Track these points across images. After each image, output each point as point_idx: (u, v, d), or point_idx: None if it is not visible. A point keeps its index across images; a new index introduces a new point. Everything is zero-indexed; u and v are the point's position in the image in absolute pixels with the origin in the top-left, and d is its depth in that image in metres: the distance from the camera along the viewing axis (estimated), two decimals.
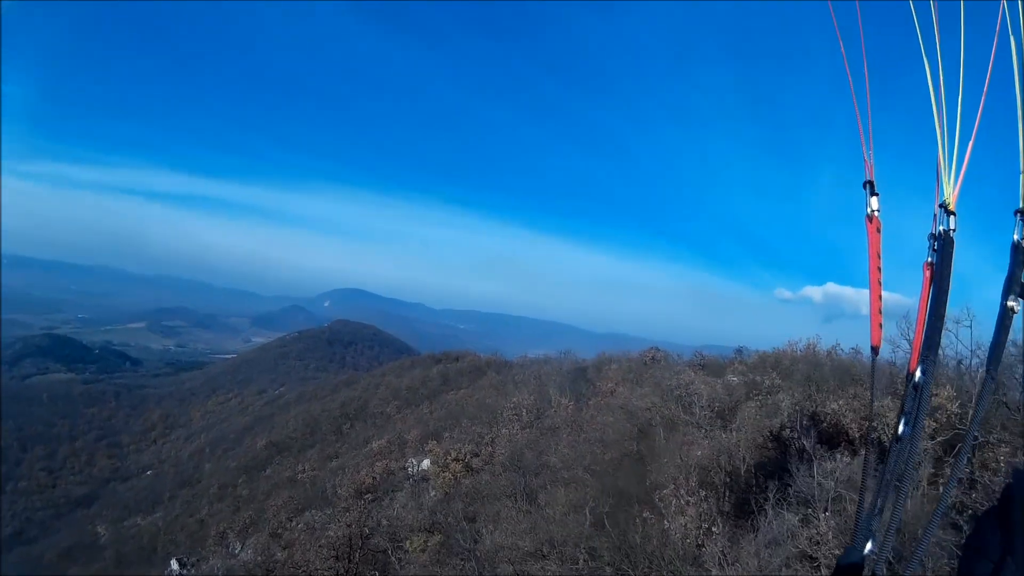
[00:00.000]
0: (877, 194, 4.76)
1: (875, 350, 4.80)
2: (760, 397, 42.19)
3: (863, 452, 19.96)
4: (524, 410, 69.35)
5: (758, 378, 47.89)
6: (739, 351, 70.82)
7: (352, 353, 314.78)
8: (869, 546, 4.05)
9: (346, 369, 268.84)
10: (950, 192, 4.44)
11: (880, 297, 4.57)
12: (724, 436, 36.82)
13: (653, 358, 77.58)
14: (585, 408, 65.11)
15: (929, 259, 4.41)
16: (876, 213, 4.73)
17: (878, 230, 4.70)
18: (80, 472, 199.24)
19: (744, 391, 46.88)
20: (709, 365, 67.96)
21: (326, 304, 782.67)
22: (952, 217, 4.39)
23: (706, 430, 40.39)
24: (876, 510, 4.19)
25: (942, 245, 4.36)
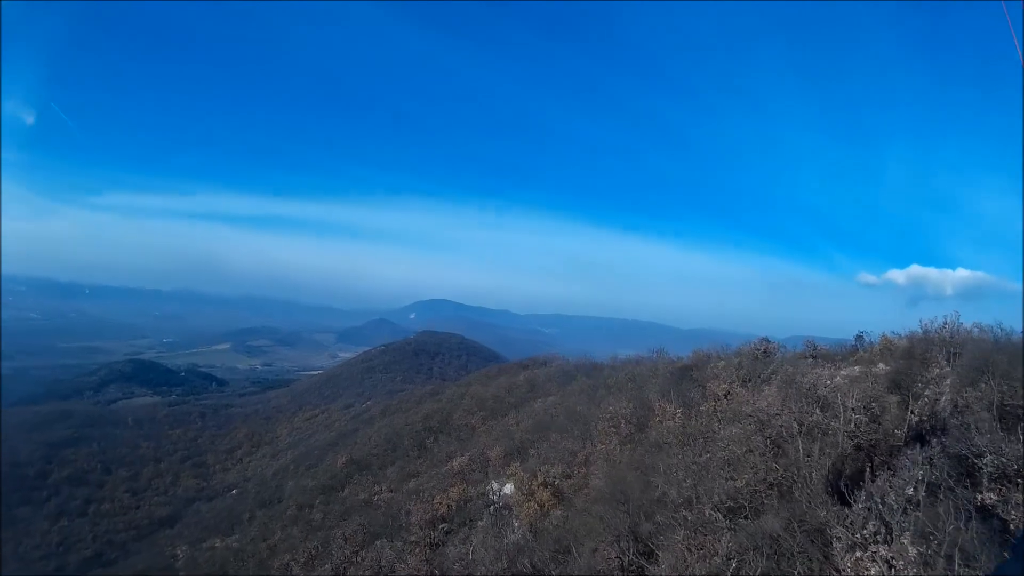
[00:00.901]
0: None
1: None
2: (929, 390, 32.40)
3: None
4: (622, 420, 56.72)
5: (914, 368, 37.26)
6: (859, 337, 59.55)
7: (439, 363, 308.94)
8: None
9: (433, 379, 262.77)
10: None
11: None
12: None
13: (766, 351, 63.86)
14: (696, 416, 51.21)
15: None
16: None
17: None
18: (164, 493, 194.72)
19: (888, 385, 36.46)
20: (823, 356, 58.60)
21: (411, 316, 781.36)
22: None
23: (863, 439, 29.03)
24: None
25: None
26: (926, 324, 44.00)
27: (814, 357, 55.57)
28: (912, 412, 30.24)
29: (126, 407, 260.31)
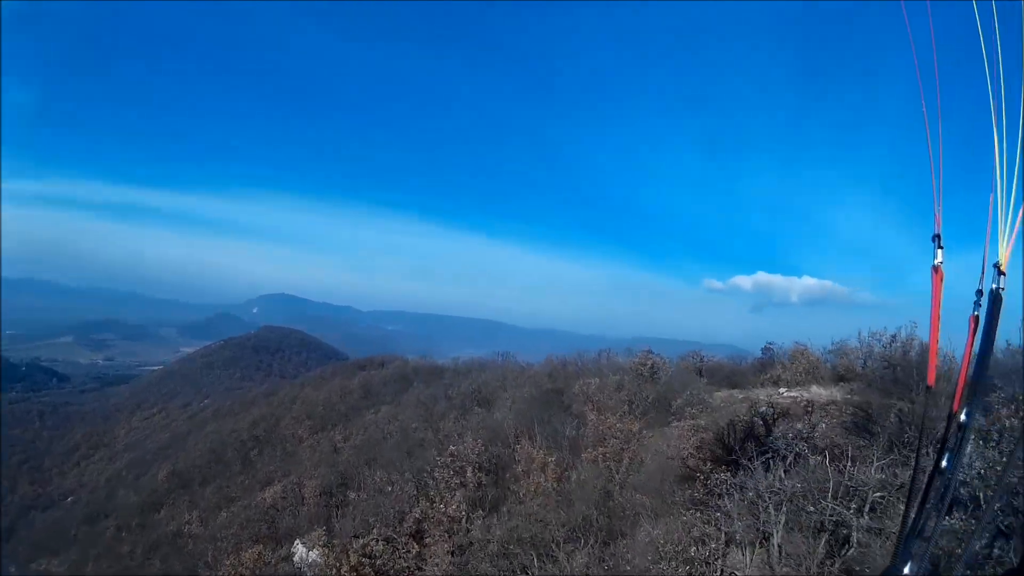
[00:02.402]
0: (942, 247, 5.03)
1: (929, 389, 5.56)
2: None
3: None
4: (468, 468, 44.49)
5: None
6: (768, 349, 56.53)
7: (279, 360, 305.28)
8: (908, 568, 4.26)
9: (272, 377, 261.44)
10: (1003, 252, 4.67)
11: (938, 342, 4.95)
12: None
13: (653, 368, 55.19)
14: (579, 468, 40.55)
15: (975, 312, 4.76)
16: (941, 265, 4.99)
17: (941, 280, 4.94)
18: (1, 500, 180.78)
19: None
20: (714, 371, 57.83)
21: (254, 310, 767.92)
22: (1003, 277, 4.64)
23: None
24: (916, 533, 4.43)
25: (991, 303, 4.66)
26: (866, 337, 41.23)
27: (700, 373, 54.13)
28: None
29: None
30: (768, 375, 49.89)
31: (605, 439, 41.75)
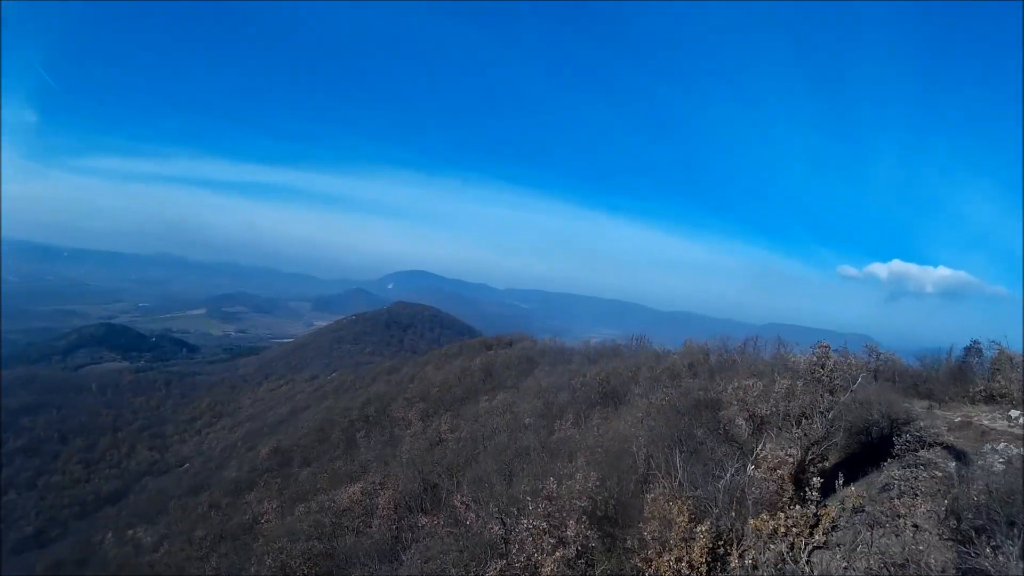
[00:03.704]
0: None
1: None
2: None
3: None
4: (572, 520, 25.17)
5: None
6: (974, 350, 38.42)
7: (410, 336, 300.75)
8: None
9: (403, 352, 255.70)
10: None
11: None
12: None
13: (823, 366, 36.41)
14: (744, 540, 23.76)
15: None
16: None
17: None
18: (117, 465, 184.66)
19: None
20: (892, 375, 41.82)
21: (389, 286, 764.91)
22: None
23: None
24: None
25: None
26: None
27: (876, 376, 39.29)
28: None
29: (92, 372, 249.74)
30: (980, 388, 33.42)
31: (783, 491, 24.82)
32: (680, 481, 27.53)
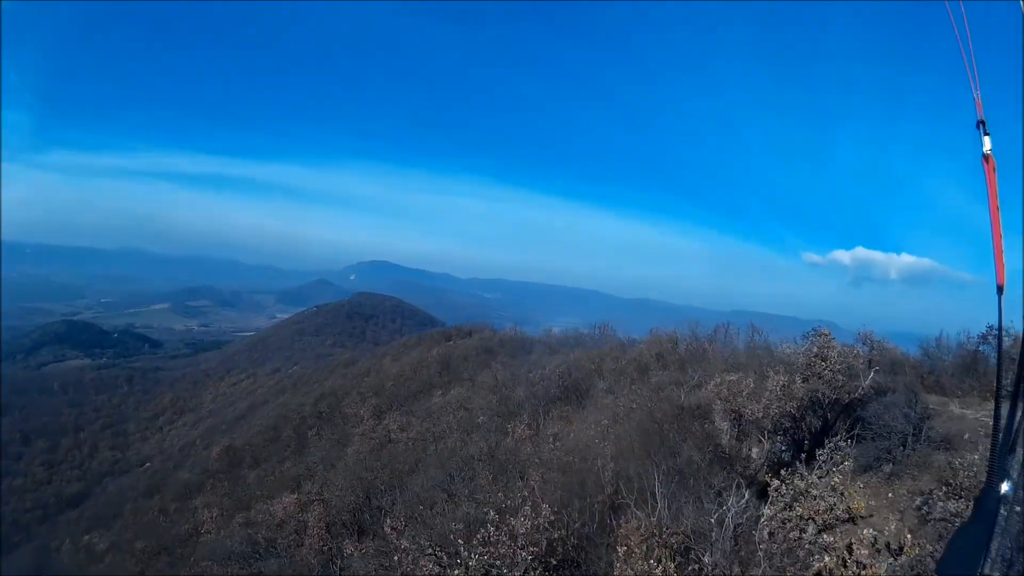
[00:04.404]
0: (989, 133, 4.73)
1: (1000, 289, 4.50)
2: None
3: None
4: (524, 552, 21.92)
5: None
6: (990, 336, 33.92)
7: (373, 327, 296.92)
8: (1005, 487, 3.94)
9: (365, 344, 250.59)
10: None
11: (1001, 236, 4.38)
12: None
13: (824, 358, 32.11)
14: None
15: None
16: (991, 153, 4.68)
17: (994, 170, 4.63)
18: (79, 466, 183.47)
19: None
20: (891, 367, 37.97)
21: (352, 277, 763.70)
22: None
23: None
24: (1008, 449, 4.11)
25: None
26: None
27: (869, 364, 34.94)
28: None
29: (55, 371, 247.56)
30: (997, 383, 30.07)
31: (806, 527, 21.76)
32: (660, 512, 21.63)
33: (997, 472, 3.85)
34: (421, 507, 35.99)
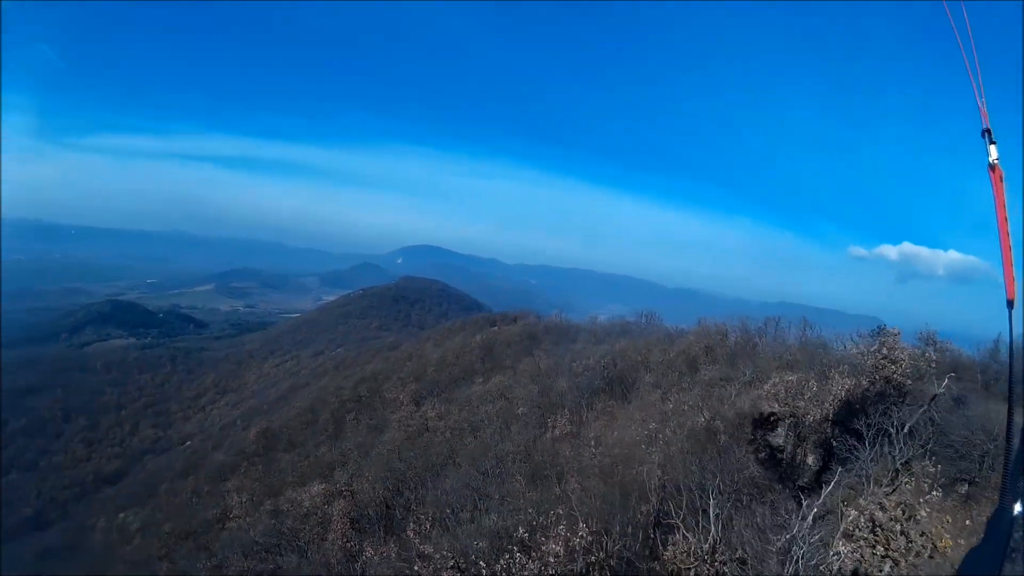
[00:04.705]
0: (995, 142, 4.73)
1: (1010, 303, 4.57)
2: None
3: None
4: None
5: None
6: None
7: (418, 311, 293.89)
8: (1019, 508, 3.97)
9: (410, 327, 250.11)
10: None
11: (1011, 248, 4.44)
12: None
13: (894, 360, 30.70)
14: None
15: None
16: (997, 162, 4.68)
17: (1001, 179, 4.62)
18: (119, 444, 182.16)
19: None
20: (963, 370, 35.76)
21: (398, 261, 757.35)
22: None
23: None
24: (1022, 469, 4.08)
25: None
26: None
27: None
28: None
29: (98, 350, 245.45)
30: None
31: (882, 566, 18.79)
32: (713, 536, 18.37)
33: (1010, 492, 3.75)
34: (448, 510, 32.86)
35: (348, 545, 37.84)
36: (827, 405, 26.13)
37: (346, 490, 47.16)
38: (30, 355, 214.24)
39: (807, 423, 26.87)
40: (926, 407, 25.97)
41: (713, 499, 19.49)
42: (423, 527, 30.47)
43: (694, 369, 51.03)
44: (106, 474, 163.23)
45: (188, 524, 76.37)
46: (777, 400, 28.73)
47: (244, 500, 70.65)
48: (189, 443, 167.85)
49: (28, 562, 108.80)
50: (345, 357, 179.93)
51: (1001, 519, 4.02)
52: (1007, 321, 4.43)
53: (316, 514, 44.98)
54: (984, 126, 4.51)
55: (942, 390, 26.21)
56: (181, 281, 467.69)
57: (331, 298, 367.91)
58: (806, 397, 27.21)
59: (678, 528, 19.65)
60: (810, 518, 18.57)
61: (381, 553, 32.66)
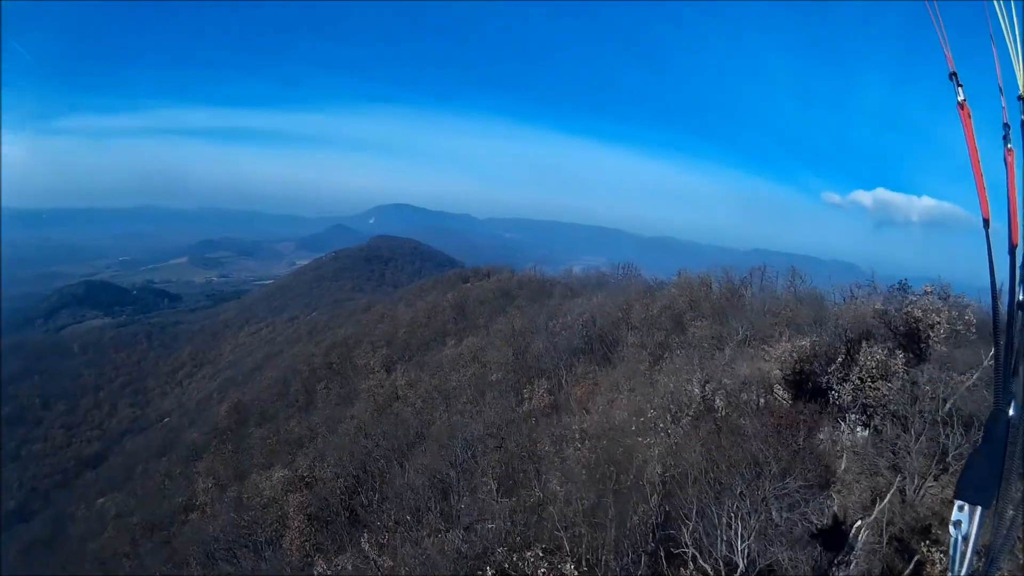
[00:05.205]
0: (962, 84, 4.83)
1: (986, 223, 4.69)
2: None
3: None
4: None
5: None
6: None
7: (392, 270, 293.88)
8: (1012, 409, 4.10)
9: (385, 287, 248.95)
10: None
11: (983, 177, 4.54)
12: None
13: (929, 322, 26.37)
14: None
15: (1009, 146, 4.49)
16: (966, 102, 4.76)
17: (970, 117, 4.70)
18: (99, 426, 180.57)
19: None
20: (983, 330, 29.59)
21: (371, 221, 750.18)
22: None
23: None
24: (1012, 370, 4.18)
25: None
26: None
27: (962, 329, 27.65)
28: None
29: (74, 333, 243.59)
30: None
31: None
32: (740, 571, 14.82)
33: (1004, 394, 3.87)
34: (410, 517, 29.79)
35: (306, 545, 35.66)
36: (853, 379, 22.70)
37: (307, 478, 44.93)
38: (10, 343, 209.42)
39: (832, 400, 23.58)
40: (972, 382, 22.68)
41: (728, 512, 16.34)
42: (381, 536, 27.44)
43: (680, 326, 47.61)
44: (86, 457, 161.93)
45: (155, 514, 75.31)
46: (785, 366, 25.78)
47: (210, 486, 69.60)
48: (167, 419, 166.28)
49: (13, 557, 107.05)
50: (318, 322, 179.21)
51: (997, 422, 4.12)
52: (987, 262, 4.44)
53: (275, 505, 42.67)
54: (951, 70, 4.59)
55: (988, 361, 22.46)
56: (155, 256, 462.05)
57: (305, 263, 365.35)
58: (831, 371, 23.94)
59: (686, 559, 16.54)
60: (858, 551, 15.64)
61: (335, 565, 29.48)
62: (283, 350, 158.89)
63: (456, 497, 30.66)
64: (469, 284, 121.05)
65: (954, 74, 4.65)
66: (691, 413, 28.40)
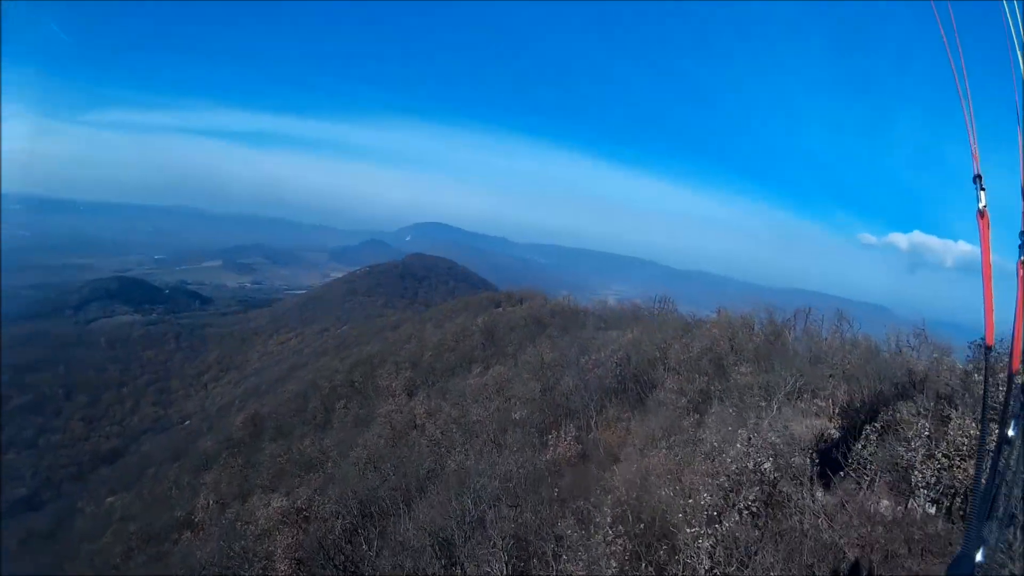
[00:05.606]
0: (985, 189, 4.98)
1: (988, 349, 4.80)
2: None
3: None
4: None
5: None
6: None
7: (425, 288, 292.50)
8: (980, 555, 3.94)
9: (416, 305, 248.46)
10: None
11: (992, 294, 4.53)
12: None
13: None
14: None
15: (1023, 258, 4.50)
16: (987, 209, 4.87)
17: (989, 226, 4.82)
18: (119, 422, 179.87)
19: None
20: None
21: (407, 238, 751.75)
22: None
23: None
24: (987, 516, 4.08)
25: None
26: None
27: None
28: None
29: (103, 327, 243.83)
30: None
31: None
32: None
33: (974, 538, 3.69)
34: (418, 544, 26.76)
35: None
36: (939, 457, 19.96)
37: (304, 512, 41.86)
38: (34, 331, 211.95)
39: (914, 482, 20.75)
40: None
41: None
42: None
43: (722, 371, 44.77)
44: (103, 453, 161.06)
45: (154, 525, 74.16)
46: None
47: (211, 503, 67.91)
48: (188, 422, 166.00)
49: (11, 545, 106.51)
50: (347, 336, 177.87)
51: (961, 565, 3.93)
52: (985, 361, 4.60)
53: (268, 538, 39.78)
54: (975, 172, 4.53)
55: None
56: (189, 257, 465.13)
57: (338, 275, 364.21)
58: (915, 447, 21.14)
59: None
60: None
61: None
62: (309, 362, 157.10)
63: (460, 569, 27.50)
64: (500, 309, 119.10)
65: (979, 176, 4.56)
66: (753, 498, 24.52)
